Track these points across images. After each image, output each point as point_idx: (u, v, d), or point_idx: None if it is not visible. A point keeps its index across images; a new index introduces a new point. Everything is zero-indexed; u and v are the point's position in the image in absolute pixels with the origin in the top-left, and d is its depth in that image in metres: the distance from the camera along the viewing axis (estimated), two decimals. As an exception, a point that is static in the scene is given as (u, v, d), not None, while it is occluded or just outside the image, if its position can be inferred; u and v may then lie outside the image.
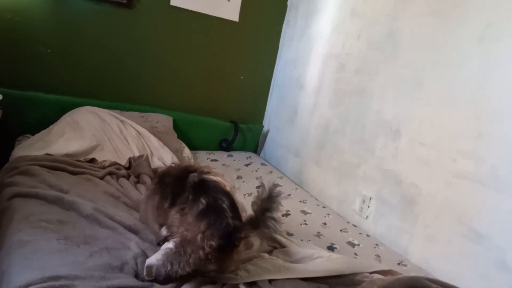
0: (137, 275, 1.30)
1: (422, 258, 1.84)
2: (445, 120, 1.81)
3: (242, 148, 3.29)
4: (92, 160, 2.17)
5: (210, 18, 2.90)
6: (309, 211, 2.27)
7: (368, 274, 1.39)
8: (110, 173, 2.05)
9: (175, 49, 2.88)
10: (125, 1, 2.59)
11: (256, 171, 2.83)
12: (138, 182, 2.08)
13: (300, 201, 2.41)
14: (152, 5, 2.72)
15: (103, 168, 2.09)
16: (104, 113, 2.46)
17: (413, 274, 1.56)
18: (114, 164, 2.16)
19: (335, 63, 2.60)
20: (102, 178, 1.98)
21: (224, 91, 3.18)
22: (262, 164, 3.03)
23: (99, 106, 2.53)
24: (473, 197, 1.65)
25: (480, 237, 1.60)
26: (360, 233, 2.09)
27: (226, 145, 3.16)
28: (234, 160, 2.98)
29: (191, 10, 2.82)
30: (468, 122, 1.70)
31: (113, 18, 2.63)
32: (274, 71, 3.34)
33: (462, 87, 1.75)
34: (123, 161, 2.23)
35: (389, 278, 1.35)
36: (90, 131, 2.32)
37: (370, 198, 2.19)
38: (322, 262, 1.42)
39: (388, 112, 2.14)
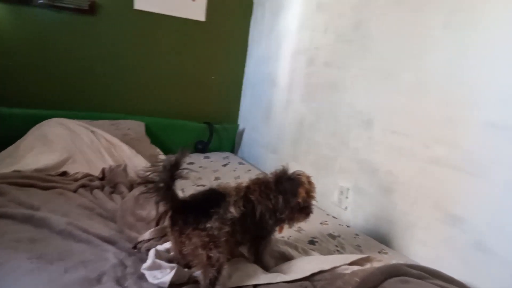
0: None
1: (402, 245, 1.87)
2: (417, 108, 1.83)
3: (219, 149, 3.27)
4: (64, 174, 2.11)
5: (176, 19, 2.87)
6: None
7: (347, 266, 1.39)
8: (83, 186, 2.00)
9: (143, 53, 2.84)
10: (87, 8, 2.53)
11: (234, 170, 2.82)
12: (113, 192, 2.04)
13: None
14: (116, 10, 2.66)
15: (76, 180, 2.04)
16: (74, 124, 2.40)
17: (394, 261, 1.57)
18: (87, 175, 2.11)
19: (305, 58, 2.60)
20: (75, 191, 1.94)
21: (196, 92, 3.15)
22: (240, 163, 3.01)
23: (67, 117, 2.47)
24: (448, 182, 1.68)
25: (456, 220, 1.62)
26: (340, 224, 2.10)
27: (202, 147, 3.13)
28: (211, 161, 2.95)
29: (156, 13, 2.78)
30: (439, 109, 1.73)
31: (76, 26, 2.57)
32: (245, 69, 3.33)
33: (431, 74, 1.77)
34: (97, 172, 2.18)
35: (369, 268, 1.36)
36: (60, 144, 2.26)
37: (348, 189, 2.21)
38: (301, 264, 1.41)
39: (360, 104, 2.15)
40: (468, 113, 1.60)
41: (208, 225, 1.20)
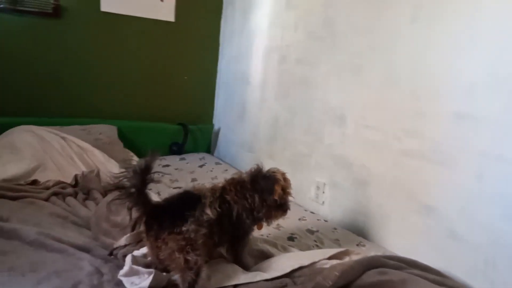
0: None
1: (378, 237, 1.89)
2: (387, 102, 1.86)
3: (195, 150, 3.23)
4: (35, 182, 2.05)
5: (145, 20, 2.82)
6: (266, 205, 2.27)
7: (327, 260, 1.40)
8: (55, 193, 1.95)
9: (112, 56, 2.78)
10: (51, 11, 2.46)
11: (211, 171, 2.80)
12: (86, 198, 1.99)
13: (257, 196, 2.40)
14: (82, 13, 2.60)
15: (47, 189, 1.98)
16: (42, 131, 2.33)
17: (372, 253, 1.59)
18: (59, 183, 2.05)
19: (277, 56, 2.61)
20: (46, 199, 1.89)
21: (169, 93, 3.12)
22: (217, 163, 3.00)
23: (36, 124, 2.40)
24: (420, 173, 1.71)
25: (430, 210, 1.66)
26: (318, 220, 2.12)
27: (177, 149, 3.09)
28: (187, 163, 2.92)
29: (124, 15, 2.73)
30: (409, 102, 1.76)
31: (41, 30, 2.49)
32: (218, 68, 3.31)
33: (400, 68, 1.80)
34: (69, 179, 2.12)
35: (348, 261, 1.37)
36: (29, 152, 2.19)
37: (324, 184, 2.22)
38: (280, 261, 1.41)
39: (332, 100, 2.17)
40: (436, 105, 1.64)
41: (184, 228, 1.18)
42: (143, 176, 1.17)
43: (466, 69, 1.53)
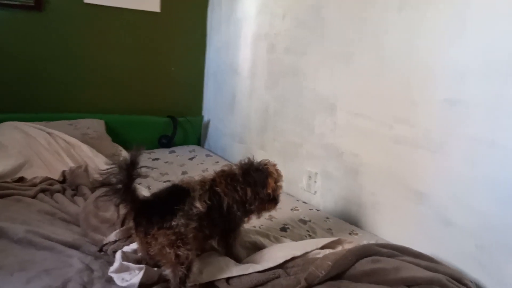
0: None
1: (371, 226, 1.90)
2: (378, 90, 1.85)
3: (184, 142, 3.20)
4: (21, 179, 2.01)
5: (129, 11, 2.77)
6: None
7: (319, 250, 1.40)
8: (43, 190, 1.91)
9: (97, 49, 2.73)
10: (32, 4, 2.40)
11: (202, 163, 2.77)
12: (75, 195, 1.96)
13: (249, 188, 2.39)
14: (64, 5, 2.54)
15: (34, 185, 1.94)
16: (28, 127, 2.28)
17: (364, 241, 1.59)
18: (47, 179, 2.02)
19: (265, 45, 2.58)
20: (34, 196, 1.85)
21: (157, 85, 3.08)
22: (207, 155, 2.97)
23: (21, 120, 2.35)
24: (411, 160, 1.71)
25: (422, 197, 1.66)
26: (310, 209, 2.11)
27: (166, 142, 3.06)
28: (177, 155, 2.89)
29: (108, 6, 2.67)
30: (399, 90, 1.74)
31: (22, 23, 2.43)
32: (206, 59, 3.27)
33: (390, 56, 1.78)
34: (57, 176, 2.09)
35: (341, 250, 1.37)
36: (14, 148, 2.15)
37: (316, 174, 2.22)
38: (273, 252, 1.41)
39: (322, 89, 2.15)
40: (427, 92, 1.63)
41: (173, 223, 1.17)
42: (130, 172, 1.15)
43: (456, 55, 1.52)
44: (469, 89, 1.48)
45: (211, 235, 1.36)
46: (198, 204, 1.23)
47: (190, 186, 1.28)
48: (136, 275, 1.20)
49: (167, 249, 1.16)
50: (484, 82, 1.43)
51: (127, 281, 1.21)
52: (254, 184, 1.36)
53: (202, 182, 1.33)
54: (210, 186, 1.33)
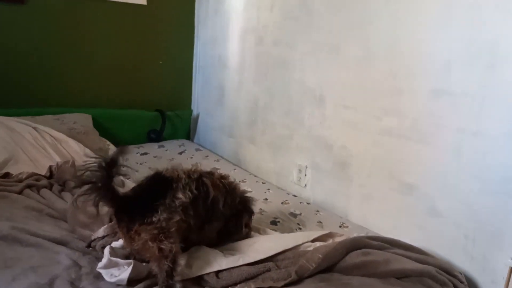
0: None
1: (361, 218, 1.90)
2: (365, 81, 1.85)
3: (173, 137, 3.17)
4: (6, 175, 1.97)
5: (115, 4, 2.72)
6: (249, 189, 2.21)
7: (310, 243, 1.40)
8: (29, 186, 1.87)
9: (83, 42, 2.68)
10: (15, -4, 2.35)
11: (191, 158, 2.75)
12: (62, 190, 1.93)
13: (239, 181, 2.37)
14: (48, -3, 2.49)
15: (20, 181, 1.91)
16: (12, 121, 2.24)
17: (354, 234, 1.59)
18: (33, 175, 1.98)
19: (253, 37, 2.56)
20: (20, 192, 1.82)
21: (145, 79, 3.04)
22: (197, 149, 2.95)
23: (5, 115, 2.30)
24: (399, 151, 1.71)
25: (410, 188, 1.67)
26: (300, 202, 2.11)
27: (155, 136, 3.03)
28: (166, 150, 2.87)
29: (94, -2, 2.62)
30: (386, 81, 1.75)
31: (5, 16, 2.37)
32: (194, 52, 3.24)
33: (377, 47, 1.78)
34: (43, 171, 2.05)
35: (331, 243, 1.37)
36: (-2, 144, 2.10)
37: (306, 167, 2.21)
38: (263, 243, 1.40)
39: (311, 81, 2.15)
40: (414, 83, 1.64)
41: (154, 218, 1.16)
42: (109, 170, 1.13)
43: (441, 46, 1.52)
44: (454, 79, 1.49)
45: (196, 225, 1.33)
46: (180, 195, 1.22)
47: (174, 175, 1.27)
48: (125, 271, 1.19)
49: (150, 243, 1.15)
50: (469, 72, 1.44)
51: (115, 276, 1.20)
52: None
53: (191, 171, 1.32)
54: (200, 176, 1.32)
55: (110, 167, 1.14)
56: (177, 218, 1.19)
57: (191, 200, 1.25)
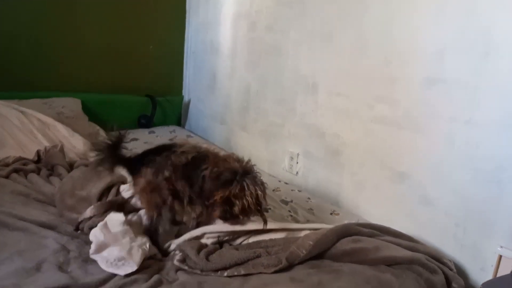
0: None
1: (352, 205, 1.90)
2: (358, 69, 1.83)
3: (164, 123, 3.14)
4: (-7, 159, 1.93)
5: (106, -14, 2.66)
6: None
7: (301, 231, 1.40)
8: (16, 170, 1.85)
9: (72, 25, 2.63)
10: (1, -26, 2.28)
11: (182, 144, 2.72)
12: (50, 175, 1.90)
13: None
14: (36, -22, 2.42)
15: (7, 165, 1.87)
16: (-2, 105, 2.19)
17: (346, 221, 1.59)
18: (20, 159, 1.94)
19: (246, 23, 2.52)
20: (7, 176, 1.79)
21: (135, 64, 2.99)
22: (188, 136, 2.93)
23: (-9, 98, 2.25)
24: (392, 140, 1.71)
25: (402, 177, 1.67)
26: (292, 190, 2.11)
27: (145, 121, 2.99)
28: (157, 136, 2.83)
29: (84, -20, 2.56)
30: (380, 68, 1.73)
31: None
32: (186, 37, 3.20)
33: (370, 34, 1.77)
34: (31, 156, 2.02)
35: (322, 230, 1.36)
36: (-16, 129, 2.05)
37: (298, 154, 2.21)
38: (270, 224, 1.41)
39: (303, 68, 2.13)
40: (407, 71, 1.62)
41: (142, 172, 1.36)
42: (117, 142, 1.39)
43: (435, 34, 1.51)
44: (448, 67, 1.48)
45: (183, 193, 1.37)
46: (172, 157, 1.35)
47: (178, 144, 1.42)
48: (129, 266, 1.18)
49: (140, 194, 1.39)
50: (463, 60, 1.43)
51: (116, 266, 1.18)
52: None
53: (199, 147, 1.44)
54: (204, 151, 1.42)
55: (118, 141, 1.38)
56: (166, 174, 1.33)
57: (183, 165, 1.34)
